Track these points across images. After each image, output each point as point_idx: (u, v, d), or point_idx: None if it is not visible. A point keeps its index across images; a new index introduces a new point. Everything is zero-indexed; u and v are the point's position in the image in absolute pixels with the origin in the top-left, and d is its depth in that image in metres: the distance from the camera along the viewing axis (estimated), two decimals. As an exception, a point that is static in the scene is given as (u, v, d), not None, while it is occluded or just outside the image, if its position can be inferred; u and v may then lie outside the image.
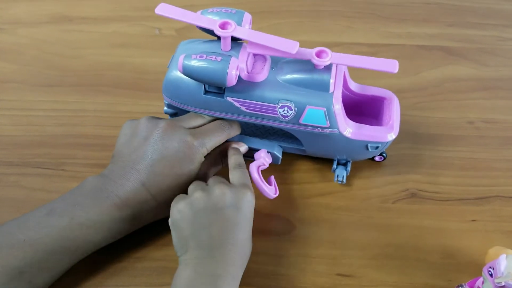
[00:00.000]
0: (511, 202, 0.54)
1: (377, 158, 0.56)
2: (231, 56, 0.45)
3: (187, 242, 0.43)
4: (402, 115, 0.53)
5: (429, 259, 0.50)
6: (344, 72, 0.50)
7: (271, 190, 0.50)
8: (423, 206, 0.53)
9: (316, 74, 0.47)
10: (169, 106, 0.52)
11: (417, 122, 0.61)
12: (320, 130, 0.49)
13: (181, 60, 0.45)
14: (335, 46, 0.69)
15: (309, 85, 0.47)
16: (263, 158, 0.51)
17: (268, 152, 0.52)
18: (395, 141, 0.51)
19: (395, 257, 0.50)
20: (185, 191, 0.47)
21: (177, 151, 0.46)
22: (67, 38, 0.70)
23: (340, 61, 0.46)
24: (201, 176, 0.50)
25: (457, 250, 0.50)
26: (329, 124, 0.48)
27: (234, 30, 0.45)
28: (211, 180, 0.47)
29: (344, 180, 0.53)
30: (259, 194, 0.50)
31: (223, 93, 0.48)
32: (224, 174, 0.49)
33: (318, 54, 0.46)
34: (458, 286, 0.43)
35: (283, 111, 0.48)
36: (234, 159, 0.49)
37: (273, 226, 0.52)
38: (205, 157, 0.49)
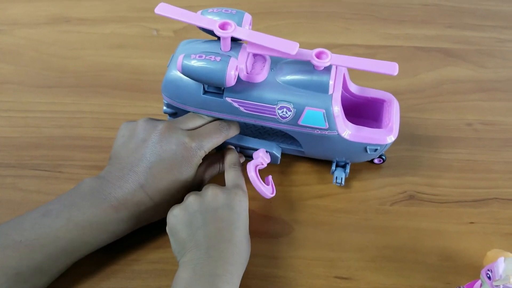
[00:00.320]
0: (510, 204, 0.54)
1: (376, 161, 0.56)
2: (230, 56, 0.45)
3: (185, 245, 0.43)
4: (400, 117, 0.53)
5: (427, 261, 0.49)
6: (344, 74, 0.50)
7: (267, 190, 0.50)
8: (421, 208, 0.53)
9: (316, 76, 0.46)
10: (168, 105, 0.52)
11: (415, 124, 0.61)
12: (319, 131, 0.48)
13: (180, 59, 0.45)
14: (333, 48, 0.69)
15: (308, 86, 0.47)
16: (261, 158, 0.51)
17: (267, 151, 0.52)
18: (393, 143, 0.51)
19: (393, 260, 0.50)
20: (182, 192, 0.48)
21: (175, 154, 0.46)
22: (65, 39, 0.70)
23: (339, 62, 0.46)
24: (199, 179, 0.50)
25: (455, 253, 0.50)
26: (328, 126, 0.48)
27: (234, 30, 0.45)
28: (204, 186, 0.47)
29: (343, 182, 0.53)
30: (257, 195, 0.49)
31: (222, 93, 0.48)
32: (220, 180, 0.50)
33: (318, 55, 0.46)
34: (457, 288, 0.44)
35: (282, 112, 0.48)
36: (229, 159, 0.50)
37: (271, 228, 0.52)
38: (203, 159, 0.49)
